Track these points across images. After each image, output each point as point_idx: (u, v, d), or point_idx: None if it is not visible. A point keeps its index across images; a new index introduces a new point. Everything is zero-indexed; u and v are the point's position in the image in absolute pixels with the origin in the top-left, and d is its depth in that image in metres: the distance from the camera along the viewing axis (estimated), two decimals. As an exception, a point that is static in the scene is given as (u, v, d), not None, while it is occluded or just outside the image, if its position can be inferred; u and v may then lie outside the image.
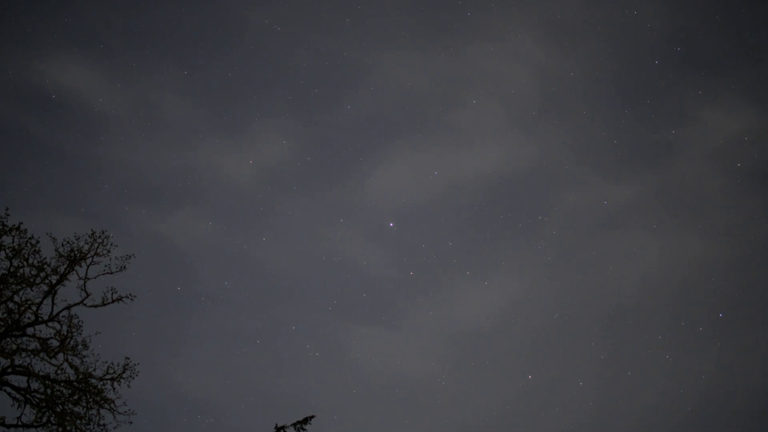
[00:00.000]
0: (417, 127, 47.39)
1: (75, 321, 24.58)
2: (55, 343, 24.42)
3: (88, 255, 24.80)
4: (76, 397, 24.29)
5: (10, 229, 23.81)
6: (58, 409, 24.05)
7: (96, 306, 24.89)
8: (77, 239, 24.71)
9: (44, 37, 43.77)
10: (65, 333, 24.41)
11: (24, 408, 23.92)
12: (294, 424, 24.50)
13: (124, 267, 25.19)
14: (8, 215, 23.79)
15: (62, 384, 24.26)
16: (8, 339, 23.97)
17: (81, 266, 24.78)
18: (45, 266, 24.23)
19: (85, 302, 24.79)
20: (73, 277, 24.68)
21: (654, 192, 46.20)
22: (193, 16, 45.08)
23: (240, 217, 45.41)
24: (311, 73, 46.18)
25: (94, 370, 24.65)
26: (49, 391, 24.09)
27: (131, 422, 24.79)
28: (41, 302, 24.32)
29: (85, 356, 24.62)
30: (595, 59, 46.56)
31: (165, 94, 45.89)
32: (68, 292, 25.01)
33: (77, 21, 44.22)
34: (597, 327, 44.48)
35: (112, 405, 24.61)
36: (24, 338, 24.26)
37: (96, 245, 24.86)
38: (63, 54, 43.93)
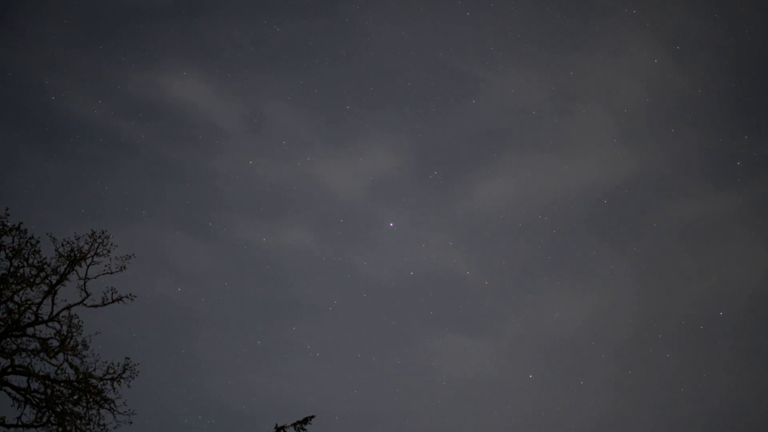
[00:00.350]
0: (525, 139, 47.36)
1: (75, 321, 24.59)
2: (55, 343, 24.42)
3: (88, 255, 24.81)
4: (76, 397, 24.29)
5: (10, 229, 23.82)
6: (58, 409, 24.05)
7: (96, 306, 24.88)
8: (77, 239, 24.73)
9: (162, 51, 44.98)
10: (65, 333, 24.41)
11: (24, 408, 23.92)
12: (294, 424, 24.51)
13: (124, 267, 25.19)
14: (8, 215, 23.83)
15: (62, 384, 24.26)
16: (8, 339, 23.97)
17: (81, 266, 24.79)
18: (45, 266, 24.23)
19: (85, 302, 24.77)
20: (73, 277, 24.70)
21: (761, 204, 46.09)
22: (304, 28, 45.65)
23: (343, 228, 45.72)
24: (423, 85, 46.48)
25: (94, 370, 24.66)
26: (49, 391, 24.09)
27: (131, 422, 24.81)
28: (41, 302, 24.31)
29: (85, 356, 24.63)
30: (706, 72, 46.37)
31: (276, 106, 46.61)
32: (68, 292, 25.05)
33: (195, 35, 45.41)
34: (598, 326, 44.60)
35: (112, 405, 24.61)
36: (24, 338, 24.28)
37: (96, 245, 24.88)
38: (179, 67, 45.03)
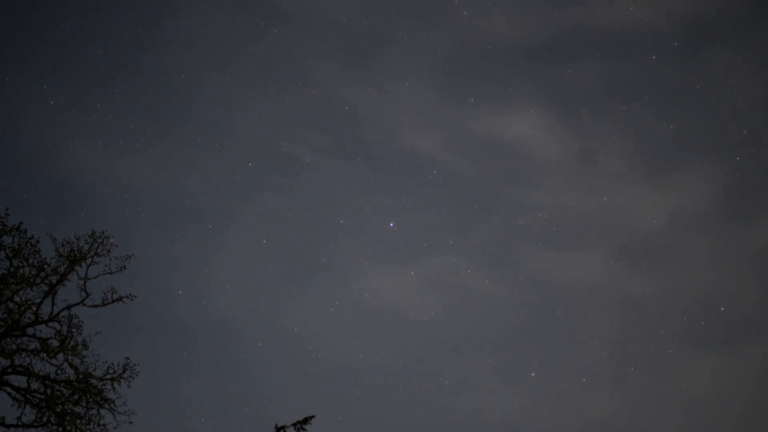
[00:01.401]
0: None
1: (75, 321, 24.58)
2: (55, 343, 24.41)
3: (88, 255, 24.80)
4: (76, 397, 24.27)
5: (10, 229, 23.83)
6: (58, 409, 24.03)
7: (96, 306, 24.89)
8: (77, 239, 24.74)
9: (508, 89, 47.33)
10: (65, 333, 24.41)
11: (24, 408, 23.90)
12: (294, 424, 24.48)
13: (124, 267, 25.19)
14: (8, 215, 23.86)
15: (62, 384, 24.24)
16: (8, 339, 23.97)
17: (81, 266, 24.79)
18: (45, 266, 24.23)
19: (85, 302, 24.77)
20: (73, 277, 24.71)
21: None
22: (645, 71, 47.29)
23: (637, 258, 46.68)
24: (746, 114, 47.02)
25: (94, 370, 24.64)
26: (49, 391, 24.08)
27: (131, 422, 24.79)
28: (41, 302, 24.30)
29: (85, 356, 24.61)
30: None
31: (601, 142, 48.35)
32: (68, 292, 25.05)
33: (544, 76, 47.86)
34: (598, 323, 44.76)
35: (112, 405, 24.59)
36: (24, 338, 24.27)
37: (96, 245, 24.87)
38: (524, 105, 47.34)
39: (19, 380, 23.99)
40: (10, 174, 42.74)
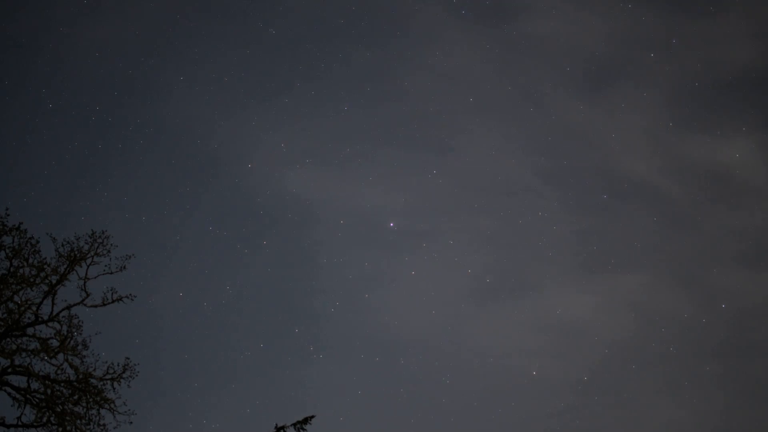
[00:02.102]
0: None
1: (75, 321, 24.60)
2: (55, 343, 24.42)
3: (88, 255, 24.82)
4: (76, 397, 24.28)
5: (10, 229, 23.84)
6: (58, 409, 24.04)
7: (96, 306, 24.91)
8: (77, 239, 24.75)
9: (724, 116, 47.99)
10: (65, 333, 24.42)
11: (24, 408, 23.91)
12: (294, 424, 24.42)
13: (124, 267, 25.21)
14: (8, 215, 23.87)
15: (62, 384, 24.25)
16: (8, 339, 23.98)
17: (81, 266, 24.80)
18: (45, 266, 24.23)
19: (85, 302, 24.79)
20: (73, 277, 24.72)
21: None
22: None
23: None
24: None
25: (94, 370, 24.64)
26: (49, 391, 24.09)
27: (131, 422, 24.79)
28: (41, 302, 24.31)
29: (85, 356, 24.62)
30: None
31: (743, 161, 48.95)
32: (68, 292, 25.04)
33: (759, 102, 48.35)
34: (600, 321, 44.80)
35: (112, 405, 24.59)
36: (24, 338, 24.28)
37: (96, 245, 24.89)
38: (740, 131, 48.00)
39: (19, 380, 24.04)
40: (209, 184, 45.01)
